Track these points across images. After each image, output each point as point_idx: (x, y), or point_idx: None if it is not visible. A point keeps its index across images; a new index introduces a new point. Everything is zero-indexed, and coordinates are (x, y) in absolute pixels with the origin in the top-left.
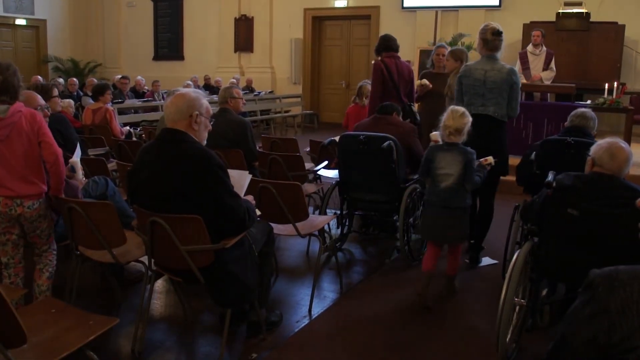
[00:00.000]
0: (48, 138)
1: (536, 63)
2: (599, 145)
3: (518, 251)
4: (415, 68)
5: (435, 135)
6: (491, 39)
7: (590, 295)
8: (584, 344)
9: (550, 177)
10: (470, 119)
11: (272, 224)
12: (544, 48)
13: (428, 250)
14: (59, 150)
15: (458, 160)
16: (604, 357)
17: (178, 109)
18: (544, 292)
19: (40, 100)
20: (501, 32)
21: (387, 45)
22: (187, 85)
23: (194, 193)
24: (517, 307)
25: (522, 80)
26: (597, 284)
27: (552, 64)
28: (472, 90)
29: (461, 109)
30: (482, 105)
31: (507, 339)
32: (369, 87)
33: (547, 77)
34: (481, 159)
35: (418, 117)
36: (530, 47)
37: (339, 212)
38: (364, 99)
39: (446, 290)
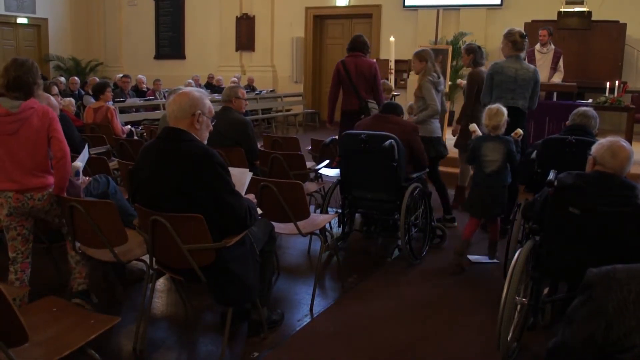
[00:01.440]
0: (58, 134)
1: (543, 61)
2: (601, 144)
3: (519, 250)
4: None
5: (474, 126)
6: (519, 41)
7: (588, 295)
8: (582, 343)
9: (551, 175)
10: (505, 112)
11: (274, 223)
12: (552, 46)
13: (470, 222)
14: (68, 149)
15: (500, 147)
16: (602, 356)
17: (180, 107)
18: (546, 291)
19: None
20: (526, 35)
21: (351, 45)
22: (189, 84)
23: (195, 191)
24: (519, 306)
25: None
26: (594, 284)
27: (560, 64)
28: (503, 85)
29: (495, 107)
30: (512, 99)
31: (509, 338)
32: None
33: (557, 80)
34: (512, 134)
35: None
36: (537, 46)
37: (340, 210)
38: None
39: (489, 252)
